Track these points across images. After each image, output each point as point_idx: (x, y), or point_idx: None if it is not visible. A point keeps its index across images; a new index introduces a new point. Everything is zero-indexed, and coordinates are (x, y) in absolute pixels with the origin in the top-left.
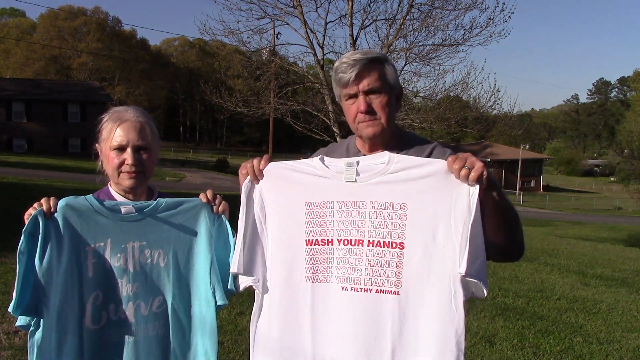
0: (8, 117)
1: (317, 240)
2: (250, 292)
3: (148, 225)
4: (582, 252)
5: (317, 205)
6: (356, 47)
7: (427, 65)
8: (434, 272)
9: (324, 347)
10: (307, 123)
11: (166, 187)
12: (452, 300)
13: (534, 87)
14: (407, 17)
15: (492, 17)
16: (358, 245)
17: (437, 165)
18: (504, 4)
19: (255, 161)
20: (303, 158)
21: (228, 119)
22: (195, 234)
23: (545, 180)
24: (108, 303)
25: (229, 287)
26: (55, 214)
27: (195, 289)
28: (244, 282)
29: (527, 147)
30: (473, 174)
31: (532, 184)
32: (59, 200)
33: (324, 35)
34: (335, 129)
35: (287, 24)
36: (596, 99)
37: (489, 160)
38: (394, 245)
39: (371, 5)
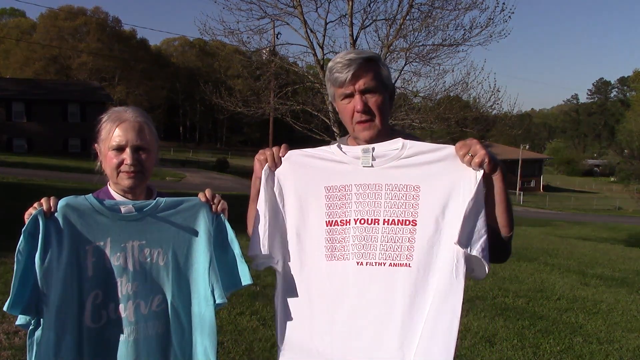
0: (8, 117)
1: (336, 221)
2: (250, 292)
3: (147, 225)
4: (582, 252)
5: (336, 189)
6: (356, 47)
7: (427, 65)
8: (442, 246)
9: (341, 317)
10: (307, 123)
11: (166, 187)
12: (453, 269)
13: (534, 87)
14: (407, 17)
15: (492, 17)
16: (374, 224)
17: (447, 150)
18: (504, 4)
19: (275, 149)
20: None
21: (228, 119)
22: (194, 233)
23: (545, 180)
24: (108, 302)
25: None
26: (55, 214)
27: (194, 288)
28: (264, 262)
29: (527, 147)
30: (476, 160)
31: (532, 184)
32: (59, 200)
33: (324, 35)
34: (335, 129)
35: (287, 24)
36: (596, 99)
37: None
38: (407, 222)
39: (371, 5)
